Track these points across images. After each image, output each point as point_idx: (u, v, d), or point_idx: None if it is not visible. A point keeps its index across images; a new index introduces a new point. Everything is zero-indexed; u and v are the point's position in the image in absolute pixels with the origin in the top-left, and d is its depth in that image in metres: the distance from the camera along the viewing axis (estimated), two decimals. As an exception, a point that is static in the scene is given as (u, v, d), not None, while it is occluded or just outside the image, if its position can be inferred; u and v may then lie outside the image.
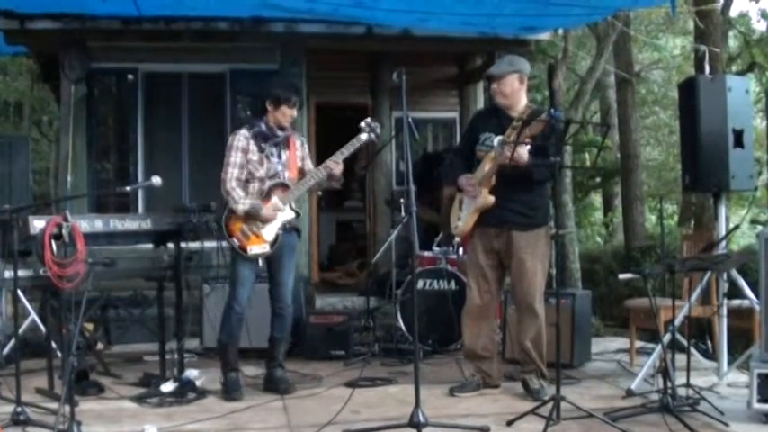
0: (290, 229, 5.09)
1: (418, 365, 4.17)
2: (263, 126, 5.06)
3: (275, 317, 5.12)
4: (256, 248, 4.95)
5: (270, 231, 4.98)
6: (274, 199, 4.98)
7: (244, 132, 5.06)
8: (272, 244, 4.98)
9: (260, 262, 5.00)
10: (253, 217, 4.93)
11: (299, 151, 5.19)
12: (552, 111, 4.51)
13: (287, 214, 5.03)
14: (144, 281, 5.54)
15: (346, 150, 5.04)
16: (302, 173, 5.18)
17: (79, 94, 7.95)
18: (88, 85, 8.09)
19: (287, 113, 5.03)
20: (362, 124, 5.07)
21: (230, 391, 4.93)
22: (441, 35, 7.98)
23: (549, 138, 4.62)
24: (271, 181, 5.01)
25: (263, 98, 5.09)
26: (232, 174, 4.98)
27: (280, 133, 5.07)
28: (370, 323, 6.77)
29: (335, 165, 5.00)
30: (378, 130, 5.12)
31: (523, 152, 4.64)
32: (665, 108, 17.71)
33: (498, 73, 4.97)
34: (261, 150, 5.02)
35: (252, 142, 5.01)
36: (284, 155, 5.09)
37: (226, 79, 8.57)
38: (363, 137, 5.06)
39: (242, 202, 4.92)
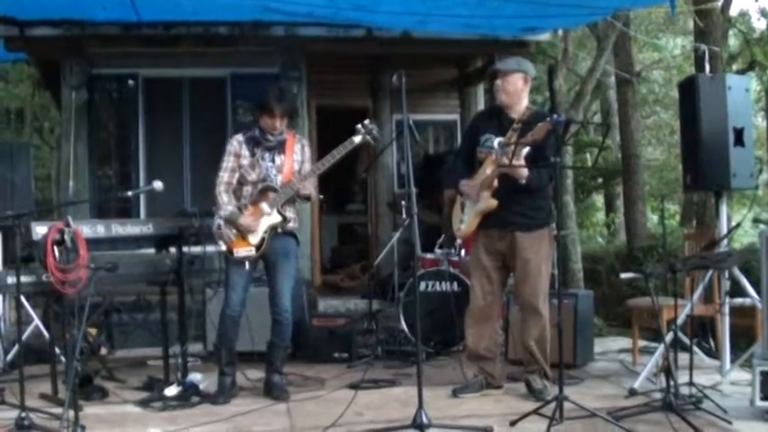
0: (281, 233, 5.02)
1: (421, 367, 4.18)
2: (257, 131, 5.07)
3: (273, 322, 5.08)
4: (242, 251, 4.94)
5: (255, 235, 4.95)
6: (262, 204, 4.96)
7: (238, 137, 5.09)
8: (258, 247, 4.94)
9: (247, 265, 4.96)
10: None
11: (298, 155, 5.11)
12: (554, 116, 4.51)
13: (273, 218, 4.95)
14: (146, 285, 5.54)
15: (338, 153, 4.96)
16: None
17: (80, 100, 7.97)
18: (89, 90, 8.12)
19: (268, 123, 5.00)
20: (359, 126, 5.01)
21: (216, 395, 4.96)
22: (441, 37, 7.98)
23: (547, 139, 4.62)
24: (262, 184, 5.00)
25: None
26: (222, 178, 5.01)
27: (271, 138, 5.05)
28: (372, 325, 6.78)
29: (313, 173, 4.95)
30: (375, 132, 5.03)
31: (523, 172, 4.65)
32: (666, 108, 17.73)
33: (505, 69, 4.98)
34: (252, 154, 5.02)
35: (245, 146, 5.03)
36: (278, 159, 5.04)
37: (226, 83, 8.60)
38: (357, 139, 4.99)
39: (224, 208, 4.94)
